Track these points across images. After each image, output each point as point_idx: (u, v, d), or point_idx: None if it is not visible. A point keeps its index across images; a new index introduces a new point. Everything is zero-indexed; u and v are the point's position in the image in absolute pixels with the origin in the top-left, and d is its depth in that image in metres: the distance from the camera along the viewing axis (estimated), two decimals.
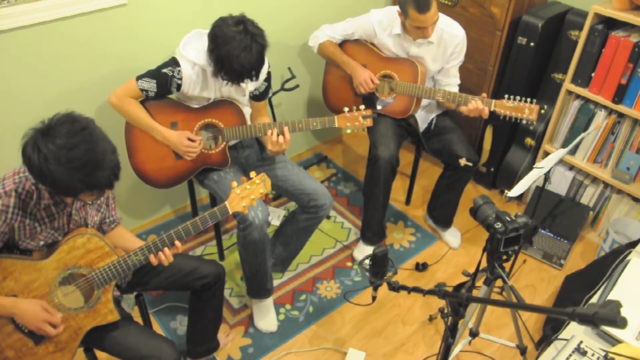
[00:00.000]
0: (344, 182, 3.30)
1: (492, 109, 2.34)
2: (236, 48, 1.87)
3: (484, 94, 2.36)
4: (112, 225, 1.83)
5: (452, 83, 2.59)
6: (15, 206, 1.48)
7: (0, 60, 2.04)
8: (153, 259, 1.67)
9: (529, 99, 2.28)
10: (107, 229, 1.83)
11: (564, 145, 2.84)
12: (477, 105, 2.33)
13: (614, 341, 1.60)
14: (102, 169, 1.42)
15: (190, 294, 2.04)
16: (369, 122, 2.22)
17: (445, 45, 2.47)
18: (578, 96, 2.72)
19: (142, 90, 2.06)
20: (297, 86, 2.91)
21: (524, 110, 2.29)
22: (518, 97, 2.29)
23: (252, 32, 1.90)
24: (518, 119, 2.32)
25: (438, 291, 1.44)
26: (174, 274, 1.89)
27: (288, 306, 2.52)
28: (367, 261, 1.68)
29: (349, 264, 2.75)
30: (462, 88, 2.63)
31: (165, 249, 1.68)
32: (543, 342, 2.25)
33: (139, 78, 2.06)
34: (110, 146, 1.46)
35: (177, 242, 1.69)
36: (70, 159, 1.37)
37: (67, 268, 1.58)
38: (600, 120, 2.65)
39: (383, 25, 2.50)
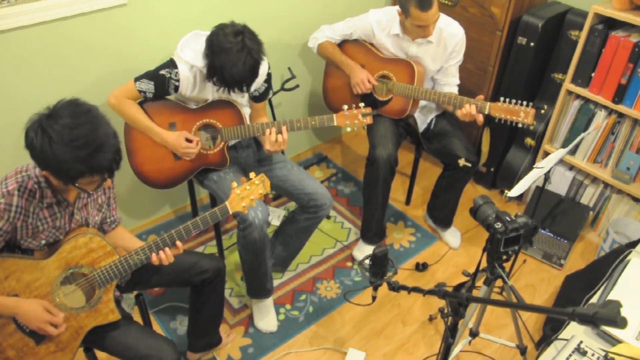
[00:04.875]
0: (344, 182, 3.30)
1: (487, 112, 2.32)
2: (229, 60, 1.88)
3: (481, 96, 2.35)
4: (112, 225, 1.84)
5: (451, 83, 2.59)
6: (18, 205, 1.48)
7: (0, 60, 2.04)
8: (154, 259, 1.67)
9: (524, 102, 2.25)
10: (108, 228, 1.83)
11: (564, 145, 2.84)
12: (470, 110, 2.31)
13: (614, 341, 1.60)
14: (104, 150, 1.43)
15: (190, 290, 2.04)
16: (368, 120, 2.22)
17: (445, 44, 2.47)
18: (578, 96, 2.72)
19: (140, 91, 2.06)
20: (297, 86, 2.91)
21: (519, 113, 2.26)
22: (514, 100, 2.27)
23: (249, 47, 1.89)
24: (513, 122, 2.29)
25: (438, 291, 1.44)
26: (173, 270, 1.89)
27: (288, 306, 2.52)
28: (367, 261, 1.68)
29: (349, 264, 2.75)
30: (462, 88, 2.64)
31: (167, 248, 1.68)
32: (543, 342, 2.26)
33: (137, 79, 2.06)
34: (112, 131, 1.48)
35: (178, 243, 1.69)
36: (73, 138, 1.38)
37: (68, 267, 1.58)
38: (600, 120, 2.65)
39: (382, 25, 2.50)
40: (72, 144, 1.38)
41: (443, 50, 2.49)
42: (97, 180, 1.50)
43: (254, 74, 1.96)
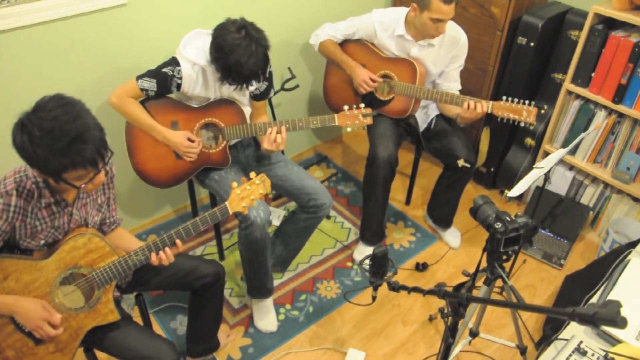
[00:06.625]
0: (344, 182, 3.30)
1: (489, 111, 2.32)
2: (243, 55, 1.90)
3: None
4: (112, 226, 1.83)
5: (452, 88, 2.58)
6: (16, 205, 1.48)
7: (0, 60, 2.04)
8: (154, 259, 1.67)
9: (527, 101, 2.26)
10: (108, 229, 1.83)
11: (564, 145, 2.84)
12: (472, 106, 2.29)
13: (614, 341, 1.60)
14: (85, 142, 1.38)
15: (190, 294, 2.04)
16: (368, 120, 2.23)
17: (447, 47, 2.47)
18: (578, 96, 2.72)
19: (142, 89, 2.06)
20: (297, 86, 2.91)
21: (521, 112, 2.26)
22: (516, 100, 2.27)
23: (255, 37, 1.92)
24: (516, 121, 2.29)
25: (438, 291, 1.44)
26: (173, 273, 1.89)
27: (288, 306, 2.52)
28: (367, 261, 1.68)
29: (349, 264, 2.75)
30: (463, 88, 2.63)
31: (167, 248, 1.68)
32: (543, 342, 2.26)
33: (139, 78, 2.06)
34: (94, 122, 1.43)
35: (177, 241, 1.69)
36: (50, 129, 1.35)
37: (67, 268, 1.58)
38: (600, 120, 2.65)
39: (384, 25, 2.49)
40: (50, 136, 1.35)
41: (445, 54, 2.49)
42: (83, 175, 1.45)
43: (267, 60, 2.00)
